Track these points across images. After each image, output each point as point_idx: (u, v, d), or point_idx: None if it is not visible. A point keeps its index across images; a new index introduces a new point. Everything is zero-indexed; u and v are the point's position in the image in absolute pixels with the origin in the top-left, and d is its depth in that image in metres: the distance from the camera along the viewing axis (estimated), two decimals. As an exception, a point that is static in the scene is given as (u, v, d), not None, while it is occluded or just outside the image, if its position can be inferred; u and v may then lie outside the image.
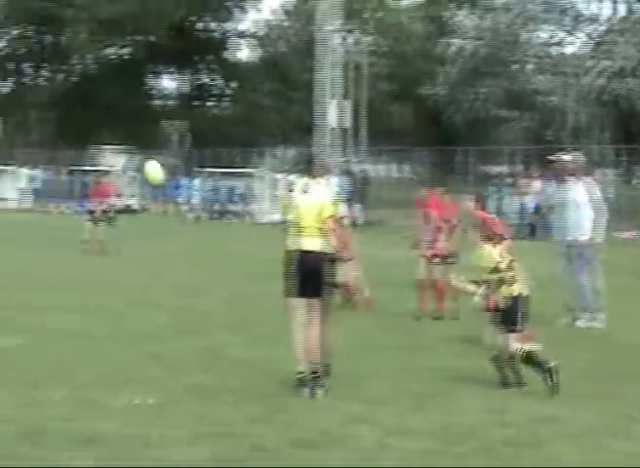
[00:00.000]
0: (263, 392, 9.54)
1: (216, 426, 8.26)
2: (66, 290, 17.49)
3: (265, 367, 10.59)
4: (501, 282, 10.04)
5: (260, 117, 68.20)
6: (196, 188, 48.25)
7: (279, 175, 43.19)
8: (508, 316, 10.00)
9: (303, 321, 9.82)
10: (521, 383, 9.99)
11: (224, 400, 9.21)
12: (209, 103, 78.03)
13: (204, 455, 7.42)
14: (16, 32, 71.70)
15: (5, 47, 70.88)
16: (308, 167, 10.26)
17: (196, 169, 51.15)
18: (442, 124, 60.18)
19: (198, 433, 8.02)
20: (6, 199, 51.37)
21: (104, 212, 25.69)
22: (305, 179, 10.09)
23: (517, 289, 10.08)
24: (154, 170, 12.99)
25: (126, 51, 72.20)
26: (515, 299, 10.02)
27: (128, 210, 48.40)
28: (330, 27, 47.19)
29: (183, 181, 50.14)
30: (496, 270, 10.08)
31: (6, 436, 7.81)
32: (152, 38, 68.15)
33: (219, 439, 7.87)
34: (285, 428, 8.27)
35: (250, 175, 46.71)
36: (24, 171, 53.85)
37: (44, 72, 75.47)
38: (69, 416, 8.48)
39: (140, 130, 69.36)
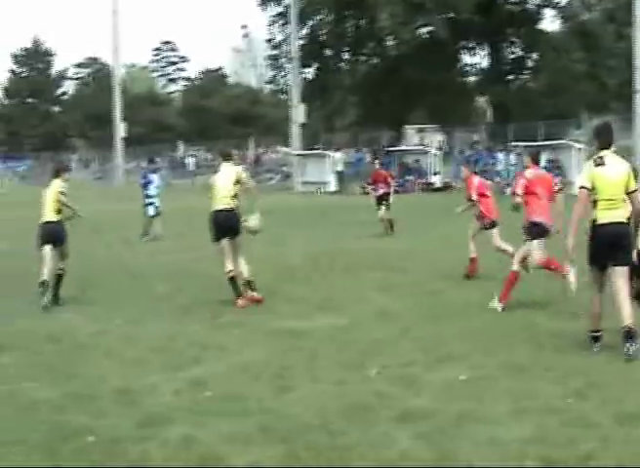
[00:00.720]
0: (581, 366, 9.25)
1: (534, 402, 8.08)
2: (376, 269, 17.68)
3: (581, 341, 10.17)
4: None
5: (570, 88, 66.48)
6: (510, 163, 47.68)
7: (587, 147, 41.93)
8: None
9: (602, 288, 9.93)
10: None
11: (540, 375, 9.00)
12: (520, 76, 76.75)
13: (528, 432, 7.24)
14: (319, 18, 73.21)
15: (309, 34, 72.47)
16: (607, 139, 10.06)
17: (509, 144, 50.45)
18: None
19: (517, 409, 7.88)
20: (320, 182, 52.51)
21: (384, 195, 25.75)
22: (604, 152, 9.90)
23: None
24: None
25: (432, 29, 72.03)
26: None
27: (433, 187, 48.61)
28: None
29: (497, 156, 49.78)
30: None
31: (327, 412, 7.99)
32: (459, 15, 67.65)
33: (540, 415, 7.68)
34: (606, 403, 7.99)
35: (561, 148, 45.56)
36: (334, 154, 54.89)
37: (349, 56, 76.72)
38: (388, 393, 8.57)
39: (449, 107, 69.30)
